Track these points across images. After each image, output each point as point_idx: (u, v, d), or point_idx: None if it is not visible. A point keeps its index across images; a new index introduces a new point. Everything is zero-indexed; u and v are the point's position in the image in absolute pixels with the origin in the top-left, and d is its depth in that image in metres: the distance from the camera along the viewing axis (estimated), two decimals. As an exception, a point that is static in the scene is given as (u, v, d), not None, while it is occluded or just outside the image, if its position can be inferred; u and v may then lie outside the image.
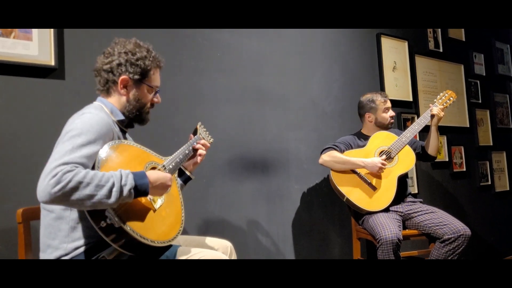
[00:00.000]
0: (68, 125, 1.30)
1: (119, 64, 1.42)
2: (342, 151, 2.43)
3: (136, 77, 1.43)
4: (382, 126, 2.54)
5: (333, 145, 2.47)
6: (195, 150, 1.68)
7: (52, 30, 1.86)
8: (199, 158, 1.69)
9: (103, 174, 1.17)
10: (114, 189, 1.16)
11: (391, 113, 2.54)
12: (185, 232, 1.75)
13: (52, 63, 1.86)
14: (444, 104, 2.53)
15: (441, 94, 2.57)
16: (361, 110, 2.60)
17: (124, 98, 1.46)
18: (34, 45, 1.82)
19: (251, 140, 2.55)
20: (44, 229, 1.34)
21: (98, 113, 1.34)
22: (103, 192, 1.14)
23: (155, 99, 1.54)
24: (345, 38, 3.10)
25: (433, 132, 2.48)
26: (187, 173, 1.71)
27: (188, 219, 2.21)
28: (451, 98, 2.55)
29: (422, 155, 2.58)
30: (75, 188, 1.11)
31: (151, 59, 1.46)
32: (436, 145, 2.51)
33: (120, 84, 1.43)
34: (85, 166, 1.19)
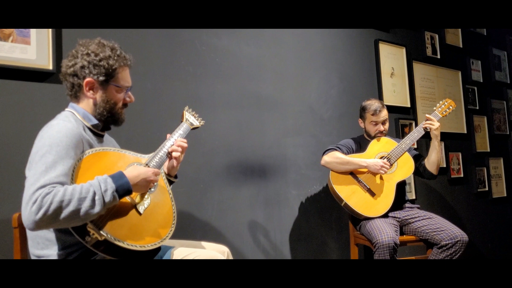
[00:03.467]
0: (37, 141, 1.25)
1: (83, 67, 1.36)
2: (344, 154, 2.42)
3: (101, 78, 1.36)
4: (369, 136, 2.54)
5: (336, 146, 2.46)
6: (169, 152, 1.53)
7: (50, 34, 1.87)
8: (175, 162, 1.55)
9: (81, 186, 1.15)
10: (97, 198, 1.14)
11: (380, 127, 2.47)
12: (181, 237, 1.74)
13: (50, 67, 1.86)
14: (444, 112, 2.51)
15: (441, 102, 2.55)
16: (360, 114, 2.61)
17: (92, 101, 1.40)
18: (32, 49, 1.82)
19: (249, 145, 2.54)
20: (32, 241, 1.32)
21: (66, 124, 1.29)
22: (86, 203, 1.12)
23: (127, 99, 1.47)
24: (343, 44, 3.12)
25: (432, 143, 2.43)
26: (170, 179, 1.63)
27: (185, 224, 2.21)
28: (451, 107, 2.53)
29: (417, 169, 2.51)
30: (59, 208, 1.09)
31: (115, 58, 1.39)
32: (434, 159, 2.43)
33: (86, 87, 1.37)
34: (62, 184, 1.16)
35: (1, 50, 1.74)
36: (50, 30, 1.87)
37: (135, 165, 1.36)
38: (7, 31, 1.76)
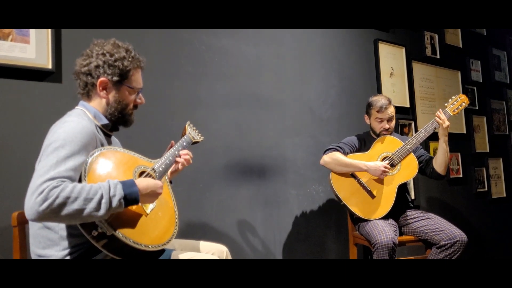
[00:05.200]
0: (51, 136, 1.25)
1: (97, 66, 1.37)
2: (345, 153, 2.37)
3: (115, 78, 1.38)
4: (375, 133, 2.48)
5: (337, 146, 2.40)
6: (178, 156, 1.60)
7: (49, 33, 1.86)
8: (180, 166, 1.60)
9: (91, 186, 1.14)
10: (103, 201, 1.13)
11: (385, 125, 2.41)
12: (181, 236, 1.74)
13: (49, 66, 1.86)
14: (455, 110, 2.37)
15: (453, 98, 2.40)
16: (366, 109, 2.54)
17: (104, 101, 1.41)
18: (32, 48, 1.82)
19: (248, 145, 2.54)
20: (33, 239, 1.32)
21: (81, 121, 1.29)
22: (92, 205, 1.11)
23: (138, 100, 1.48)
24: (343, 44, 3.12)
25: (440, 143, 2.33)
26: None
27: (185, 224, 2.21)
28: (463, 104, 2.38)
29: (423, 170, 2.45)
30: (63, 204, 1.08)
31: (130, 59, 1.41)
32: (442, 160, 2.33)
33: (99, 87, 1.38)
34: (71, 179, 1.16)
35: (0, 49, 1.74)
36: (49, 29, 1.87)
37: (145, 176, 1.37)
38: (6, 30, 1.76)
